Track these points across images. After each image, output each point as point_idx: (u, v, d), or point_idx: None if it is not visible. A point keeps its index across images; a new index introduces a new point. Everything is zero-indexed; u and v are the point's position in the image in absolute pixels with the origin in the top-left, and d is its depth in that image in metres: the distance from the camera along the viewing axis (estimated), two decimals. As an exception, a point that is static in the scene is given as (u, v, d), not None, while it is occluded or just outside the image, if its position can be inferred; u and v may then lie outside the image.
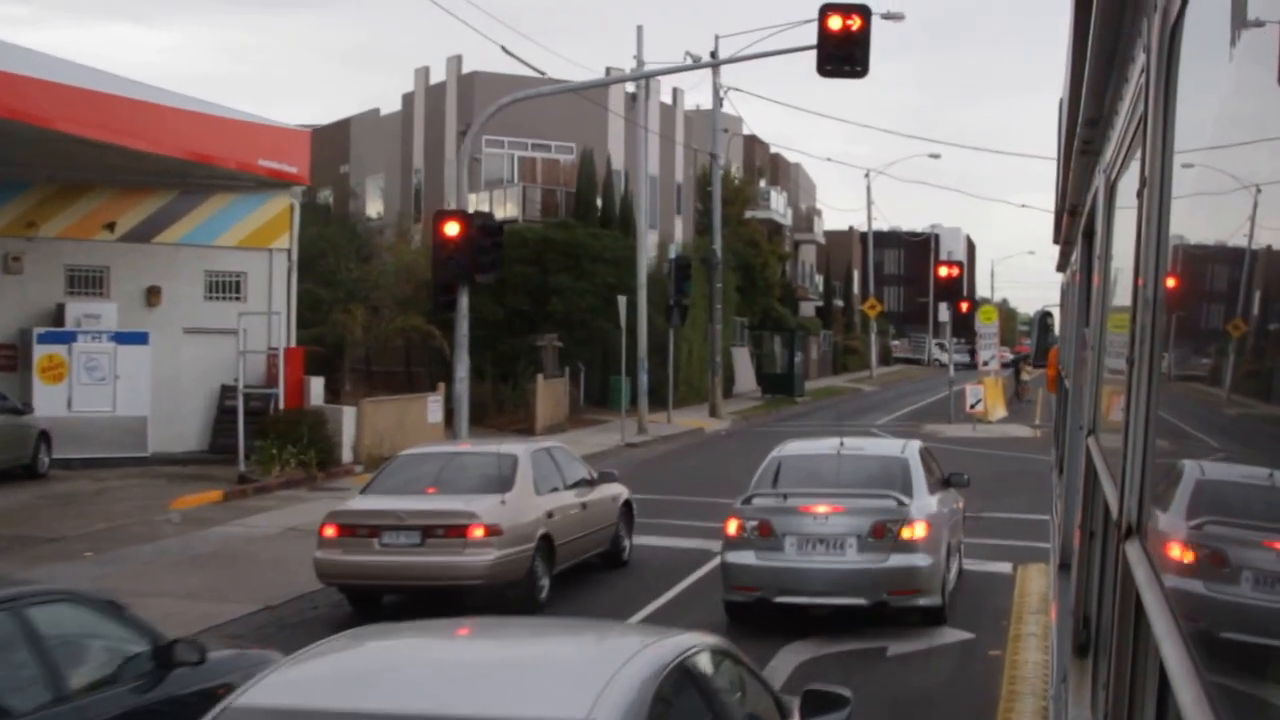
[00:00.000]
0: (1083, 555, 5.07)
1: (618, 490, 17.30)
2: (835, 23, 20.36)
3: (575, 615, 14.45)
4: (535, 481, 14.97)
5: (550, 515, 14.92)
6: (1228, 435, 1.85)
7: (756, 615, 13.52)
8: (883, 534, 13.09)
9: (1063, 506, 8.64)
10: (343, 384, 36.39)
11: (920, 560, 13.14)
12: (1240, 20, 1.68)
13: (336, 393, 34.02)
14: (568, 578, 15.67)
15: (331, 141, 54.64)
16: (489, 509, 13.94)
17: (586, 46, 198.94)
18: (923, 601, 13.27)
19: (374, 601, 14.86)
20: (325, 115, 54.53)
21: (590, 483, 16.55)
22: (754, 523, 13.36)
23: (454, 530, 13.73)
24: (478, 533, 13.67)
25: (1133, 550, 2.51)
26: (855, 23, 20.36)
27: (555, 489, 15.49)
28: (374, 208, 51.77)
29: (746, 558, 13.33)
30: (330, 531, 14.16)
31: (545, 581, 14.67)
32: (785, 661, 12.32)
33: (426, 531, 13.78)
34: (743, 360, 58.00)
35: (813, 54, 20.57)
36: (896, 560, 13.06)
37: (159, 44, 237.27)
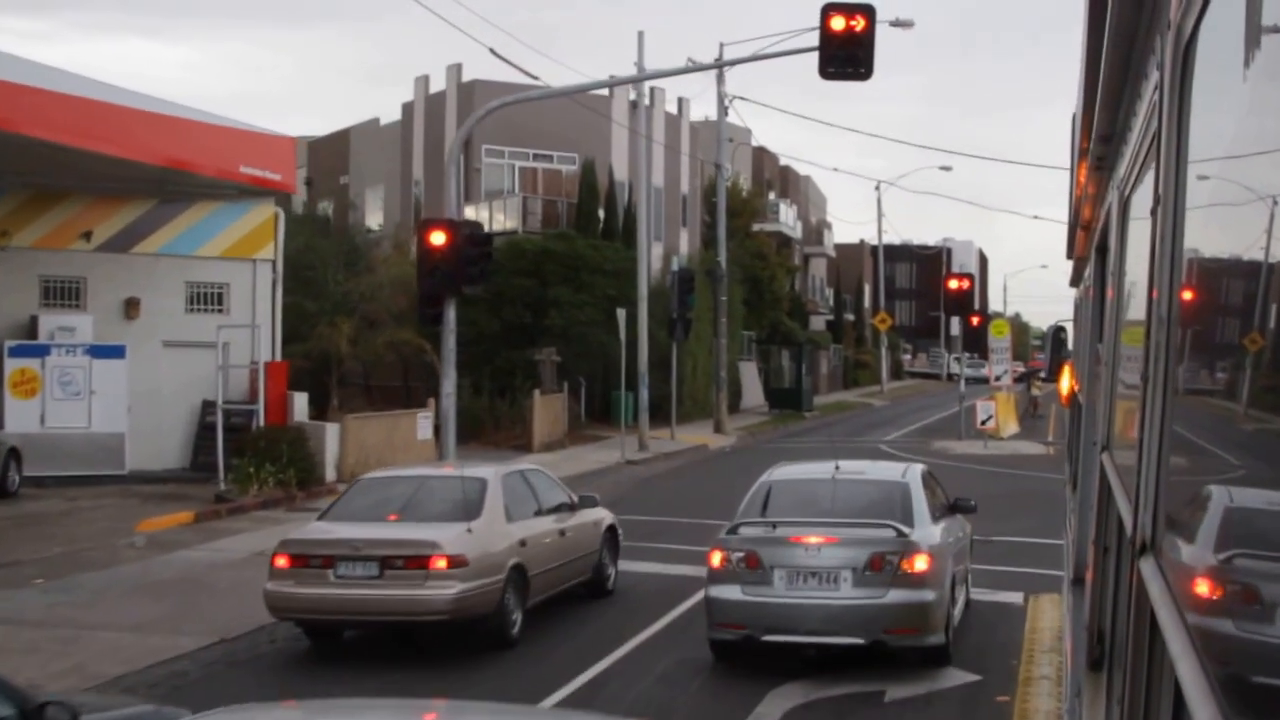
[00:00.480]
0: (1097, 570, 5.10)
1: (600, 515, 16.25)
2: (838, 23, 19.49)
3: (549, 651, 13.49)
4: (506, 507, 13.90)
5: (523, 544, 13.84)
6: (1243, 451, 1.82)
7: (744, 654, 12.49)
8: (881, 567, 12.03)
9: (1076, 522, 8.54)
10: (330, 399, 35.35)
11: (921, 596, 12.06)
12: (1255, 37, 1.66)
13: (325, 408, 33.05)
14: (546, 610, 14.63)
15: (331, 152, 53.83)
16: (453, 538, 12.86)
17: (594, 61, 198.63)
18: (924, 640, 12.18)
19: (333, 636, 13.82)
20: (334, 127, 53.53)
21: (571, 507, 15.50)
22: (740, 554, 12.29)
23: (414, 561, 12.66)
24: (440, 564, 12.59)
25: (1147, 566, 2.51)
26: (859, 23, 19.51)
27: (530, 515, 14.43)
28: (374, 219, 50.79)
29: (732, 592, 12.27)
30: (282, 562, 13.11)
31: (517, 616, 13.60)
32: (773, 707, 11.38)
33: (385, 562, 12.71)
34: (750, 375, 56.99)
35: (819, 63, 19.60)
36: (896, 596, 11.99)
37: (175, 60, 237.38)
